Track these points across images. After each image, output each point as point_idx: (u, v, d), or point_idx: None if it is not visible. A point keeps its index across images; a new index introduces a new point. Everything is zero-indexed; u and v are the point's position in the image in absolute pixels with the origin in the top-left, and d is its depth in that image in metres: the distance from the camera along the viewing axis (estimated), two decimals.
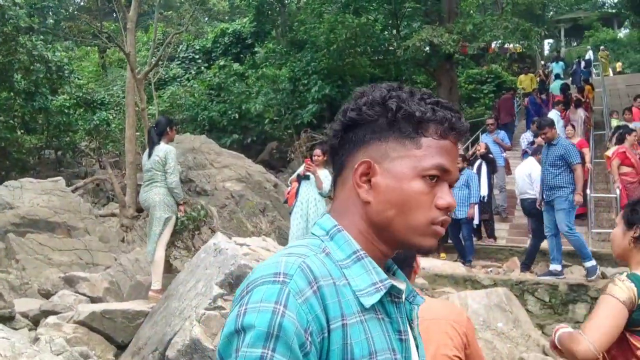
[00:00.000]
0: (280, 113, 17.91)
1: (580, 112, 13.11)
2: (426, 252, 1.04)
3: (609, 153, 9.56)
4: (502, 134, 11.97)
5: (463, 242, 8.91)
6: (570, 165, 7.14)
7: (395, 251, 1.05)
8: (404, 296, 1.04)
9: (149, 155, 5.62)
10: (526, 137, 11.36)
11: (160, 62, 16.79)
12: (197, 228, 5.91)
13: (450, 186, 1.03)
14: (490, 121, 12.07)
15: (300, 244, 1.01)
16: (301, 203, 7.40)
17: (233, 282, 3.36)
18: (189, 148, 9.09)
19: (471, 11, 18.67)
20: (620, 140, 9.05)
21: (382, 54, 17.41)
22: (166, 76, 21.83)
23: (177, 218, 5.63)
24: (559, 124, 11.97)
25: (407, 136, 1.01)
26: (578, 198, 7.14)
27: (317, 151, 7.78)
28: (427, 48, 15.61)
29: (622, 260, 2.48)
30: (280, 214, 9.15)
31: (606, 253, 8.73)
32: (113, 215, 9.93)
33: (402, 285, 1.03)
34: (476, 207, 9.02)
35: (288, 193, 7.82)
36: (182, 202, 5.65)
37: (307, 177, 7.39)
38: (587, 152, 10.58)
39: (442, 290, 6.99)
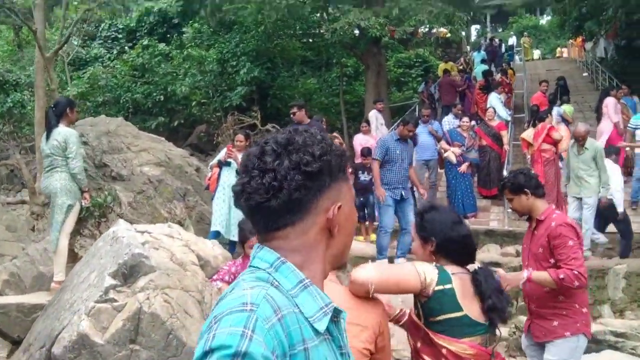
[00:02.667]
0: (208, 95, 17.49)
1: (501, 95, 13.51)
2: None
3: (524, 135, 9.91)
4: (436, 124, 11.26)
5: None
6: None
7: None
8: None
9: (47, 138, 5.26)
10: (448, 121, 11.57)
11: (72, 40, 15.97)
12: (103, 215, 5.63)
13: None
14: (426, 112, 11.14)
15: (251, 278, 1.06)
16: (223, 188, 7.25)
17: (127, 272, 3.18)
18: (104, 131, 8.64)
19: None
20: (541, 120, 9.42)
21: (312, 36, 17.29)
22: (87, 56, 20.80)
23: (81, 205, 5.33)
24: (499, 105, 12.32)
25: (341, 177, 1.16)
26: (377, 193, 7.18)
27: (240, 136, 7.65)
28: (356, 31, 15.61)
29: None
30: (203, 199, 8.91)
31: (520, 232, 9.07)
32: (23, 202, 9.36)
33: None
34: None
35: (209, 179, 7.65)
36: (86, 189, 5.34)
37: (228, 164, 7.24)
38: (505, 135, 10.93)
39: None
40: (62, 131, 5.19)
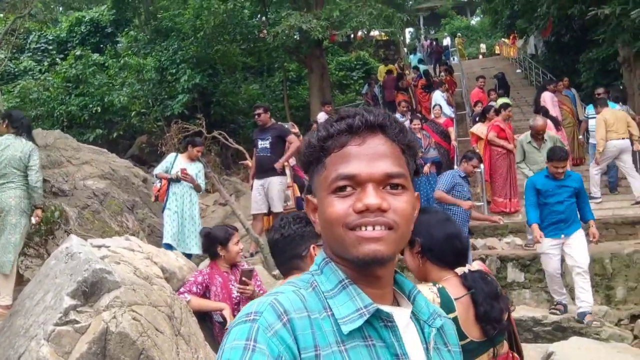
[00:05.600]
0: (148, 105, 16.96)
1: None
2: (369, 261, 1.00)
3: (474, 130, 10.08)
4: None
5: None
6: None
7: (359, 267, 1.03)
8: (401, 320, 1.04)
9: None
10: None
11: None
12: (51, 232, 5.24)
13: (381, 182, 1.01)
14: None
15: (288, 281, 1.07)
16: (175, 200, 6.95)
17: (88, 291, 2.91)
18: (42, 145, 8.08)
19: None
20: (483, 116, 9.62)
21: (253, 41, 17.07)
22: (16, 70, 19.78)
23: (30, 223, 4.94)
24: (443, 103, 12.50)
25: (319, 163, 1.06)
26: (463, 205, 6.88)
27: (201, 148, 7.43)
28: (297, 35, 15.54)
29: (424, 281, 2.34)
30: (152, 211, 8.55)
31: (474, 225, 9.16)
32: None
33: (393, 309, 1.04)
34: None
35: (158, 190, 7.27)
36: (40, 206, 4.94)
37: (178, 180, 6.96)
38: (452, 131, 11.12)
39: None
40: (28, 145, 4.83)
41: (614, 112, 9.02)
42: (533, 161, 7.39)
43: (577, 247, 5.89)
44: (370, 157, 1.02)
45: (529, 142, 7.43)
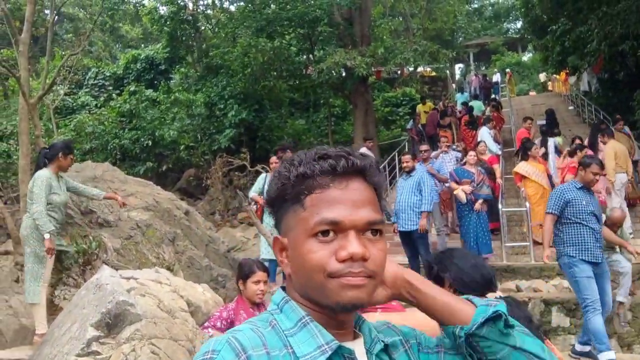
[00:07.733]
0: (196, 139, 17.45)
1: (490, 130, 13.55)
2: (350, 307, 1.00)
3: (517, 169, 9.82)
4: (437, 163, 10.28)
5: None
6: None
7: (335, 312, 1.02)
8: (361, 354, 1.04)
9: None
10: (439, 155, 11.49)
11: (58, 88, 15.90)
12: (88, 262, 5.38)
13: (362, 230, 1.00)
14: (424, 147, 9.74)
15: (247, 321, 1.06)
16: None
17: (111, 322, 2.95)
18: (90, 176, 8.43)
19: (384, 36, 19.09)
20: (525, 154, 9.41)
21: (298, 77, 17.43)
22: (74, 104, 20.79)
23: (63, 252, 5.09)
24: (489, 139, 12.34)
25: (296, 202, 1.02)
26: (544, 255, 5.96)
27: (274, 157, 8.30)
28: (342, 71, 15.74)
29: None
30: (193, 243, 8.66)
31: (519, 266, 8.89)
32: (7, 253, 9.03)
33: (353, 344, 1.04)
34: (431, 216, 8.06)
35: (255, 211, 8.05)
36: (47, 235, 4.97)
37: None
38: (498, 168, 10.87)
39: None
40: (37, 174, 5.03)
41: (620, 146, 9.19)
42: None
43: None
44: (353, 202, 1.00)
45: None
